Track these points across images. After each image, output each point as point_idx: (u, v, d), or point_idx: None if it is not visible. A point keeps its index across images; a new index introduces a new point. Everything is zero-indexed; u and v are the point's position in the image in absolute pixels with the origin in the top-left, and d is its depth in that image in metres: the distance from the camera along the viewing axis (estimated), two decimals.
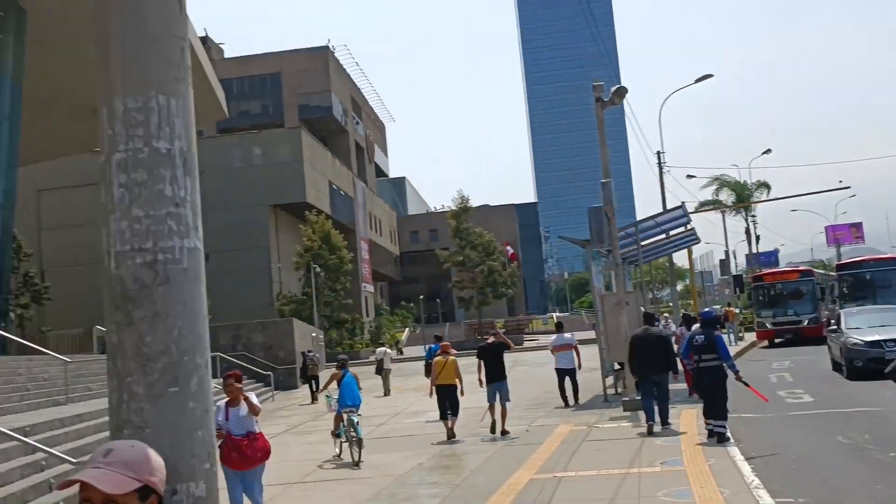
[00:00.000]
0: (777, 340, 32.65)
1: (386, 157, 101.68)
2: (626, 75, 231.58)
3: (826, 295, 33.49)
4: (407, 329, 70.93)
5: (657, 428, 12.55)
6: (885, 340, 18.01)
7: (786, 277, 35.42)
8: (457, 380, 14.22)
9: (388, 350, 28.86)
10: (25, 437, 10.64)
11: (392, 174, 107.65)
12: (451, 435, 14.17)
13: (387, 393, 25.32)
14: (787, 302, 33.45)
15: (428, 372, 18.70)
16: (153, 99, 2.13)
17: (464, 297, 63.05)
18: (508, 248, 63.82)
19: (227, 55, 78.31)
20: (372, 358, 32.33)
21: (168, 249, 2.10)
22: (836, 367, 20.04)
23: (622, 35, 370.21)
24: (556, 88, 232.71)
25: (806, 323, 32.13)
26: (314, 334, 37.52)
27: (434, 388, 14.52)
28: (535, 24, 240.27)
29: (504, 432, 13.99)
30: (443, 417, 14.30)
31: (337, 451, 13.53)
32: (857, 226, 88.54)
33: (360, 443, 12.73)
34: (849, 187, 57.71)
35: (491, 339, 15.23)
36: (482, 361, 14.59)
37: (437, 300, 76.40)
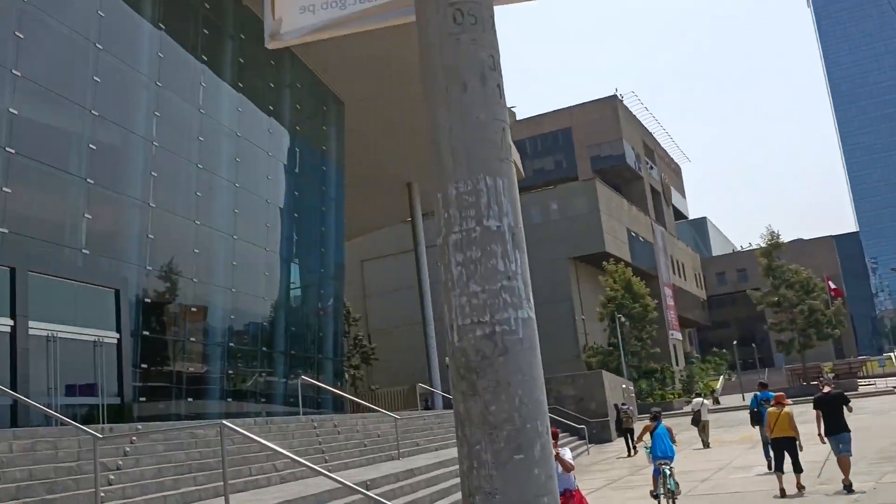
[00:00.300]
0: None
1: (684, 199, 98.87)
2: None
3: None
4: (721, 377, 67.36)
5: None
6: None
7: None
8: (794, 432, 13.45)
9: (705, 400, 27.54)
10: (368, 490, 11.57)
11: (691, 215, 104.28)
12: (783, 492, 13.28)
13: (706, 445, 24.16)
14: None
15: (754, 422, 17.60)
16: (481, 181, 2.28)
17: (782, 341, 58.72)
18: (830, 283, 58.54)
19: (518, 117, 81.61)
20: (686, 409, 31.12)
21: (504, 321, 2.21)
22: None
23: None
24: (868, 106, 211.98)
25: None
26: (624, 385, 37.03)
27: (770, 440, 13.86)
28: (837, 41, 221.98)
29: (848, 485, 12.86)
30: (777, 470, 13.56)
31: None
32: None
33: (673, 495, 12.37)
34: None
35: (827, 389, 14.19)
36: (820, 412, 13.62)
37: (752, 344, 71.79)
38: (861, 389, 45.56)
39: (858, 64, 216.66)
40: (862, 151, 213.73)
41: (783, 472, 13.42)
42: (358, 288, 58.53)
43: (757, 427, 17.30)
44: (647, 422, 14.10)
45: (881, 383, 50.47)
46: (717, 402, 49.19)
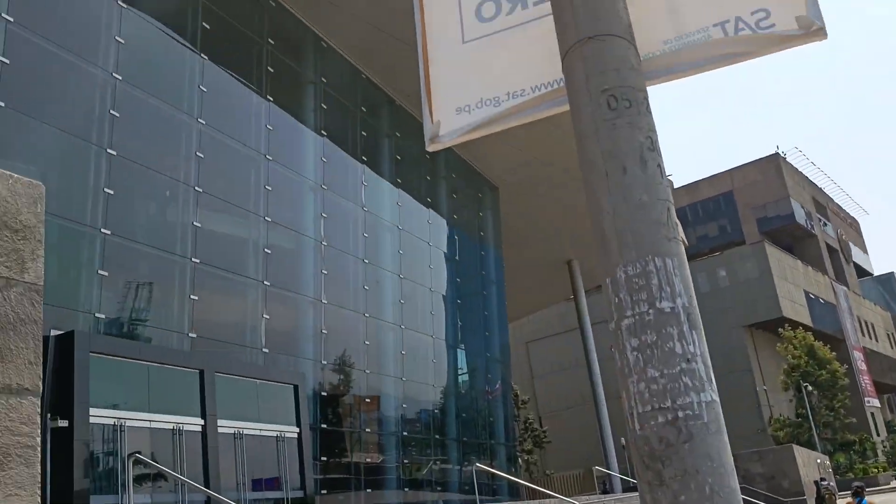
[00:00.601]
0: None
1: (866, 255, 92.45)
2: None
3: None
4: None
5: None
6: None
7: None
8: None
9: None
10: None
11: (877, 271, 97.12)
12: None
13: None
14: None
15: None
16: (650, 263, 2.24)
17: None
18: None
19: (675, 185, 79.89)
20: (894, 483, 28.33)
21: (687, 406, 2.13)
22: None
23: None
24: None
25: None
26: (819, 460, 34.30)
27: None
28: None
29: None
30: None
31: None
32: None
33: None
34: None
35: None
36: None
37: None
38: None
39: None
40: None
41: None
42: (525, 370, 58.16)
43: None
44: (849, 499, 13.09)
45: None
46: None
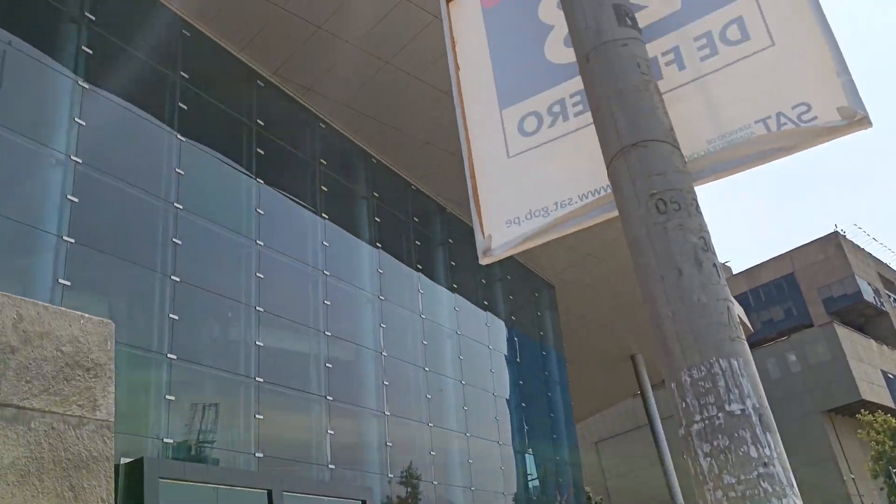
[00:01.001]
0: None
1: None
2: None
3: None
4: None
5: None
6: None
7: None
8: None
9: None
10: None
11: None
12: None
13: None
14: None
15: None
16: (715, 365, 2.21)
17: None
18: None
19: (734, 271, 78.63)
20: None
21: None
22: None
23: None
24: None
25: None
26: None
27: None
28: None
29: None
30: None
31: None
32: None
33: None
34: None
35: None
36: None
37: None
38: None
39: None
40: None
41: None
42: (596, 471, 56.39)
43: None
44: None
45: None
46: None
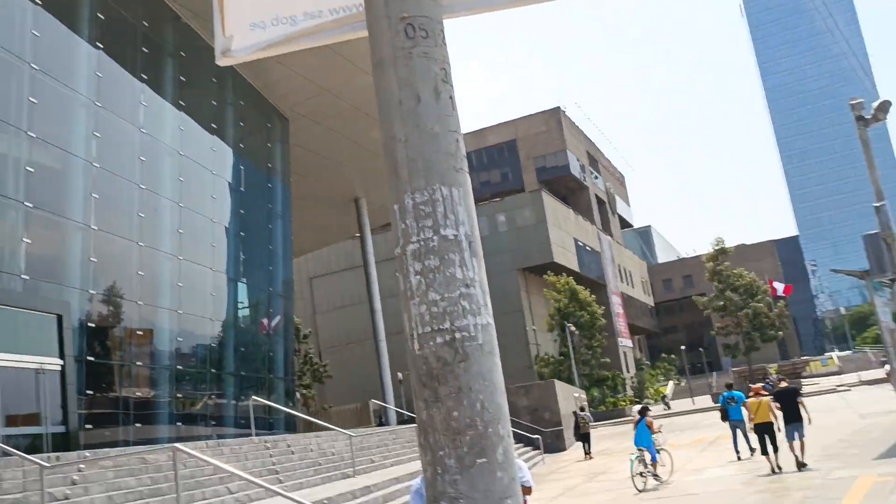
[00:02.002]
0: None
1: (629, 208, 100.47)
2: (884, 87, 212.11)
3: None
4: (671, 382, 68.40)
5: None
6: None
7: None
8: (773, 418, 15.73)
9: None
10: None
11: (636, 224, 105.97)
12: (775, 468, 15.42)
13: None
14: None
15: (723, 417, 19.87)
16: (437, 191, 2.31)
17: (729, 344, 59.93)
18: (777, 285, 59.84)
19: (463, 130, 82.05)
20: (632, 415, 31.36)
21: (464, 328, 2.24)
22: None
23: (874, 45, 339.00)
24: (805, 112, 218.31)
25: None
26: (576, 394, 37.35)
27: (753, 426, 16.27)
28: (772, 49, 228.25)
29: (802, 465, 15.19)
30: (763, 453, 15.84)
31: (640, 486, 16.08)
32: None
33: (654, 464, 16.53)
34: None
35: (784, 384, 17.07)
36: (779, 405, 15.95)
37: (700, 349, 73.23)
38: (805, 389, 46.63)
39: (793, 72, 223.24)
40: (798, 157, 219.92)
41: (769, 454, 15.60)
42: (307, 305, 58.11)
43: (726, 422, 19.58)
44: (637, 415, 17.79)
45: (824, 382, 51.78)
46: (667, 406, 49.88)
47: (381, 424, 32.19)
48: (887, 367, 27.04)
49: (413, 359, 2.29)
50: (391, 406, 31.98)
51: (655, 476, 16.69)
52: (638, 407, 27.96)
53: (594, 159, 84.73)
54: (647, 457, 16.72)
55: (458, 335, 2.23)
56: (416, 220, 2.31)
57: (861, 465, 14.47)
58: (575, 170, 76.09)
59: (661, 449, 17.63)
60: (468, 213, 2.35)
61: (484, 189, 72.12)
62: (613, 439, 32.62)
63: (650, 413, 18.48)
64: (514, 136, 77.10)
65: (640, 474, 16.39)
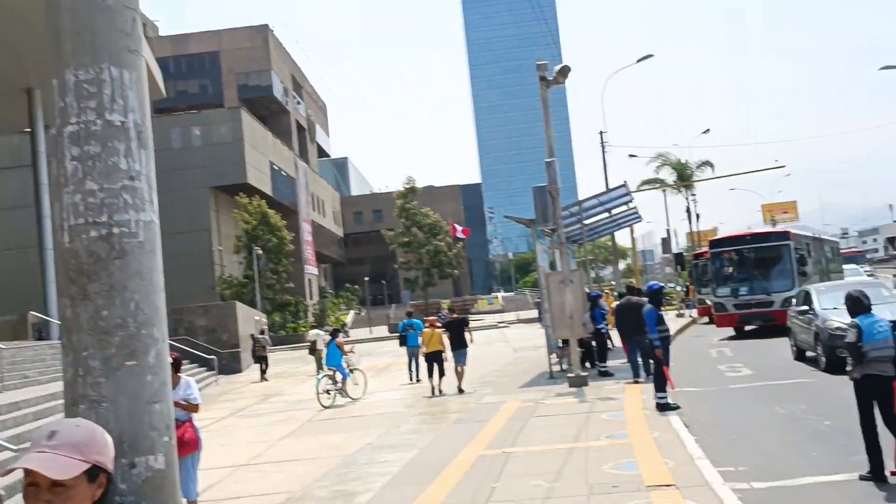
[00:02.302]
0: (747, 329, 25.33)
1: (328, 138, 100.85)
2: (568, 55, 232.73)
3: (809, 266, 26.32)
4: (352, 311, 70.71)
5: (642, 378, 14.99)
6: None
7: (754, 242, 26.35)
8: (442, 347, 17.31)
9: (322, 332, 29.02)
10: None
11: (334, 155, 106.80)
12: (436, 391, 17.03)
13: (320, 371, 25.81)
14: (755, 275, 25.41)
15: (402, 343, 20.98)
16: (105, 71, 2.09)
17: (409, 279, 63.18)
18: (458, 227, 63.92)
19: (162, 32, 76.57)
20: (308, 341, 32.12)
21: (124, 223, 2.08)
22: (801, 355, 16.98)
23: (564, 14, 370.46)
24: (500, 68, 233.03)
25: (779, 305, 23.26)
26: (257, 318, 37.20)
27: (425, 354, 17.70)
28: (478, 4, 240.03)
29: (461, 390, 16.91)
30: (430, 376, 17.30)
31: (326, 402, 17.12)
32: (792, 204, 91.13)
33: (344, 382, 17.73)
34: (784, 166, 59.27)
35: (454, 315, 19.11)
36: (449, 334, 17.67)
37: (383, 282, 76.28)
38: (472, 324, 50.66)
39: (494, 28, 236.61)
40: (489, 110, 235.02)
41: (441, 376, 17.17)
42: None
43: (404, 347, 20.79)
44: (329, 336, 19.19)
45: (488, 319, 56.71)
46: (347, 334, 51.56)
47: (40, 339, 29.63)
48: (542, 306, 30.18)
49: (61, 252, 2.08)
50: (54, 319, 29.52)
51: (342, 392, 17.64)
52: (314, 331, 28.80)
53: (298, 84, 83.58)
54: (339, 377, 17.72)
55: (115, 230, 2.06)
56: (77, 100, 2.08)
57: (509, 392, 16.10)
58: (278, 92, 74.54)
59: (355, 369, 18.74)
60: (140, 101, 2.16)
61: (180, 99, 68.09)
62: (291, 363, 33.09)
63: (342, 335, 19.68)
64: (218, 47, 73.47)
65: (327, 392, 17.32)
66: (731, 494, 7.03)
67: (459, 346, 17.52)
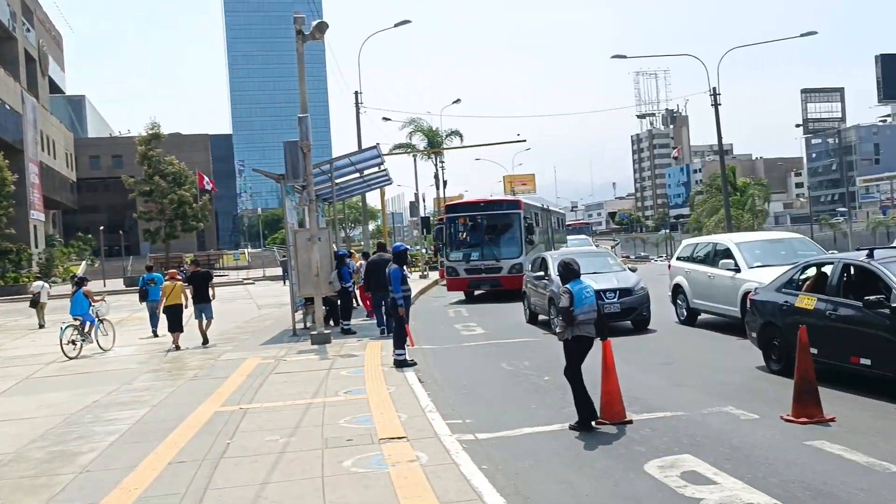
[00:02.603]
0: (476, 293, 26.14)
1: (63, 73, 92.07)
2: (330, 11, 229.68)
3: (537, 235, 27.80)
4: (84, 262, 65.72)
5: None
6: (604, 291, 15.02)
7: (487, 209, 26.90)
8: (183, 300, 17.22)
9: (46, 284, 27.00)
10: None
11: (69, 91, 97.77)
12: (178, 347, 16.62)
13: (41, 325, 24.41)
14: (486, 241, 25.93)
15: (142, 298, 20.30)
16: None
17: (150, 230, 59.84)
18: (204, 177, 61.32)
19: None
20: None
21: None
22: (534, 318, 17.95)
23: None
24: (258, 17, 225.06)
25: (507, 271, 24.76)
26: None
27: (164, 307, 17.46)
28: None
29: (206, 341, 16.97)
30: (174, 330, 16.94)
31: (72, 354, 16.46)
32: (531, 176, 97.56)
33: (92, 329, 17.29)
34: (525, 140, 63.19)
35: (198, 268, 18.57)
36: (192, 288, 17.37)
37: (120, 232, 71.38)
38: (216, 280, 49.16)
39: None
40: (243, 60, 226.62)
41: (179, 332, 16.90)
42: None
43: (145, 302, 20.22)
44: (74, 287, 18.28)
45: (234, 275, 55.30)
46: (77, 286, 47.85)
47: None
48: (283, 262, 29.80)
49: None
50: None
51: (87, 339, 17.12)
52: (38, 283, 26.60)
53: (29, 10, 75.21)
54: (88, 326, 17.27)
55: None
56: None
57: (251, 348, 15.88)
58: (3, 16, 66.66)
59: (104, 319, 18.04)
60: None
61: None
62: (9, 316, 30.28)
63: (88, 283, 18.84)
64: None
65: (73, 342, 16.68)
66: (457, 445, 7.48)
67: (202, 300, 17.20)
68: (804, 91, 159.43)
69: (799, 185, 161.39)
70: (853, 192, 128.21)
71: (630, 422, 8.23)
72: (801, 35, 37.08)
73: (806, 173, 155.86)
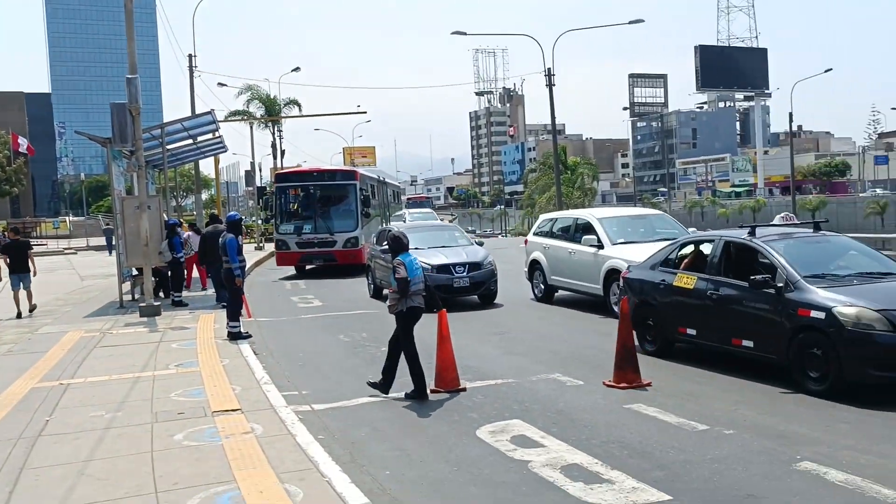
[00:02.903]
0: (308, 267, 24.95)
1: None
2: None
3: (372, 208, 26.97)
4: None
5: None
6: (454, 265, 15.51)
7: (321, 179, 25.70)
8: (33, 267, 16.75)
9: None
10: None
11: None
12: (20, 314, 16.22)
13: None
14: (319, 213, 24.85)
15: None
16: None
17: None
18: (22, 140, 56.87)
19: None
20: None
21: None
22: (378, 293, 17.50)
23: None
24: None
25: (341, 245, 24.02)
26: None
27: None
28: None
29: (33, 307, 16.68)
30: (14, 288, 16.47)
31: None
32: (371, 149, 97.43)
33: None
34: (365, 112, 62.93)
35: (17, 237, 17.65)
36: (7, 256, 16.79)
37: None
38: (35, 249, 45.96)
39: None
40: (65, 14, 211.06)
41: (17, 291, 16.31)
42: None
43: None
44: None
45: (54, 244, 51.83)
46: None
47: None
48: (118, 234, 28.32)
49: None
50: None
51: None
52: None
53: None
54: None
55: None
56: None
57: (73, 321, 15.01)
58: None
59: None
60: None
61: None
62: None
63: None
64: None
65: None
66: (293, 416, 7.44)
67: (21, 270, 16.50)
68: (631, 76, 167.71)
69: (625, 166, 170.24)
70: (673, 173, 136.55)
71: (464, 389, 8.49)
72: (630, 22, 38.84)
73: (631, 154, 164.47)
